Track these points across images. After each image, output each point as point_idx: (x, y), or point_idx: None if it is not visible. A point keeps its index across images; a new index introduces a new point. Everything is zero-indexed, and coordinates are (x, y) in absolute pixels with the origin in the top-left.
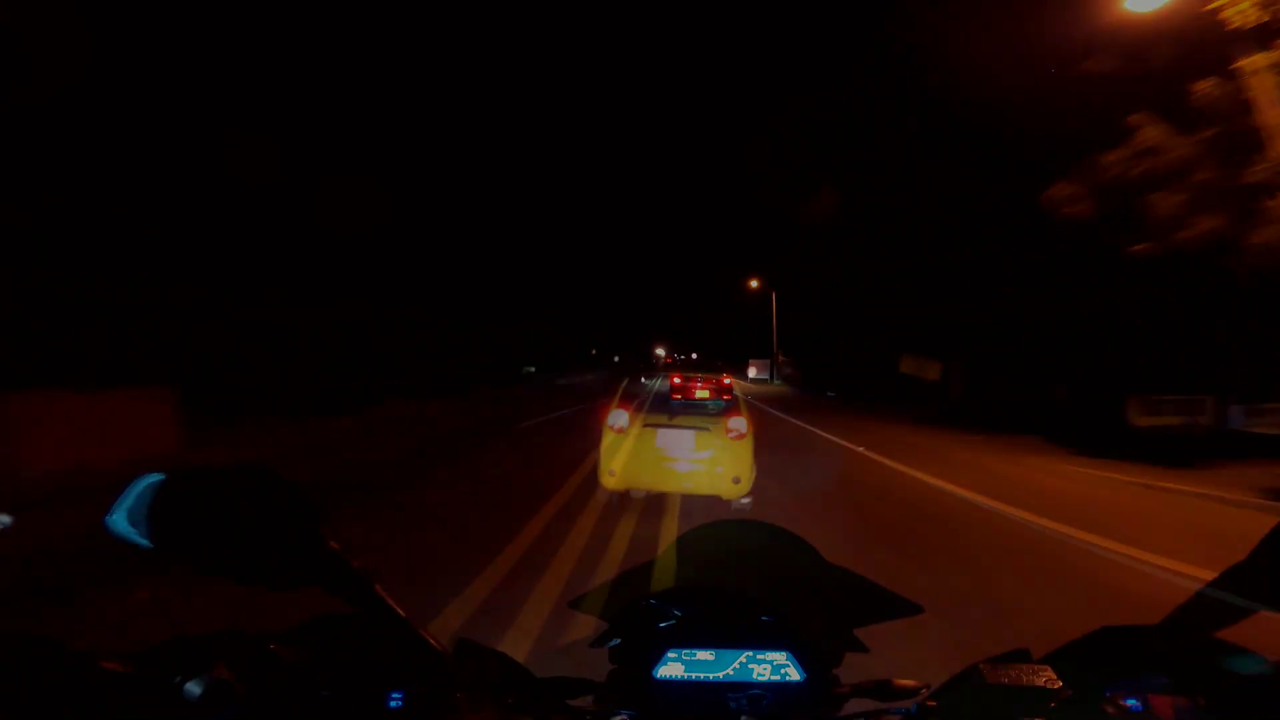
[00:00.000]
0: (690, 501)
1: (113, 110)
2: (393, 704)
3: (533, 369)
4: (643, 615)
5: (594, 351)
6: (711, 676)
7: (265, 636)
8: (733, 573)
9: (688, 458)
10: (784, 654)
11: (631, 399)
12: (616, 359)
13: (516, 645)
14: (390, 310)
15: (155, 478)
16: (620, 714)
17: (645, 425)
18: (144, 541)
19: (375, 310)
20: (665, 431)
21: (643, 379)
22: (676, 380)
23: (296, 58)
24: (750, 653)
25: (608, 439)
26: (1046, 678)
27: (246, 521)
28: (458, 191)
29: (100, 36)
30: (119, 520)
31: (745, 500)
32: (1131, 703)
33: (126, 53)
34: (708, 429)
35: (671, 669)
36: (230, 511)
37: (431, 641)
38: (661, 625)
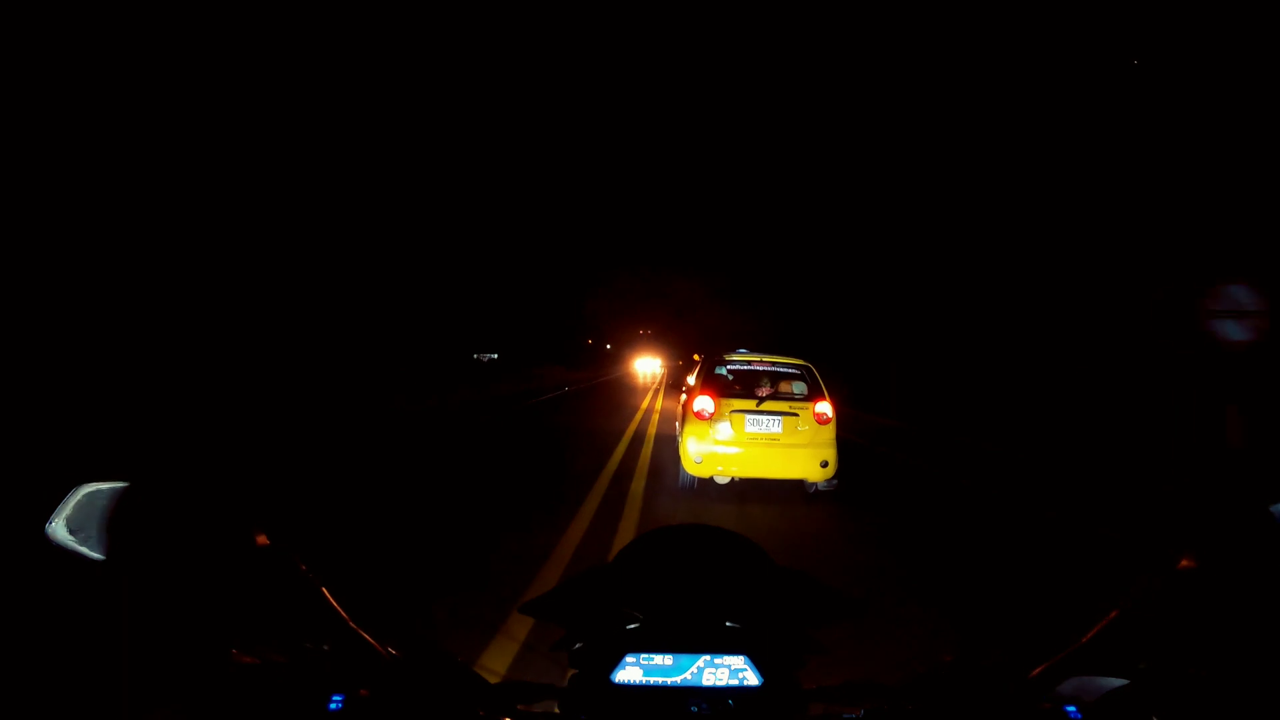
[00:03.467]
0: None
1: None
2: (333, 707)
3: (494, 356)
4: (601, 619)
5: (589, 341)
6: (669, 681)
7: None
8: (690, 573)
9: (776, 442)
10: (742, 658)
11: (713, 382)
12: (609, 347)
13: None
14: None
15: (94, 486)
16: (578, 718)
17: (733, 411)
18: (83, 550)
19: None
20: (754, 417)
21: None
22: (754, 365)
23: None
24: (708, 657)
25: (691, 425)
26: (997, 677)
27: (192, 530)
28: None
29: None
30: (58, 528)
31: (833, 482)
32: (1070, 709)
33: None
34: (796, 414)
35: (629, 673)
36: (174, 520)
37: (377, 646)
38: (619, 629)
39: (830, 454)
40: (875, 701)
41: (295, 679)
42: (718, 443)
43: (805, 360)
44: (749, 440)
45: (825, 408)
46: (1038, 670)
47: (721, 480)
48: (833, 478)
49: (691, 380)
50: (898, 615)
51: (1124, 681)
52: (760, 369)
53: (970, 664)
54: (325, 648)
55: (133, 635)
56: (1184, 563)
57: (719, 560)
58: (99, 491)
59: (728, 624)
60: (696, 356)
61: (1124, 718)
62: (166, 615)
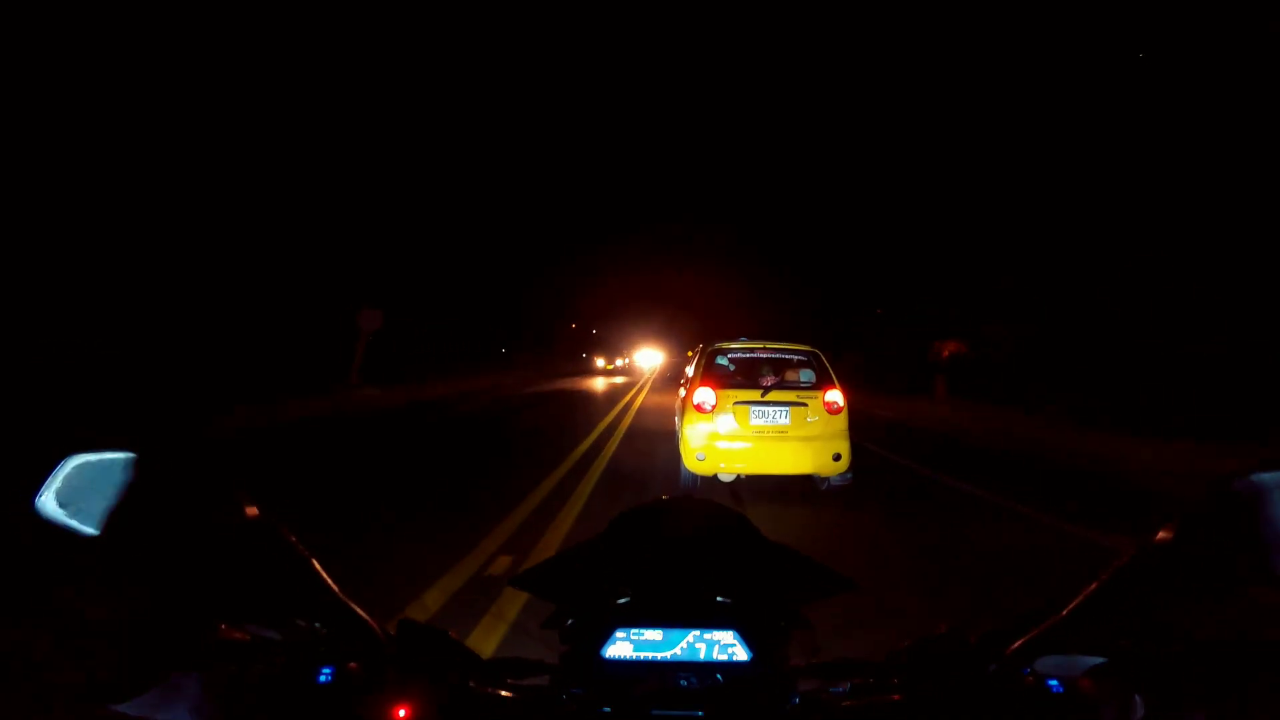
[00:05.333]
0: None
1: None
2: (322, 679)
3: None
4: (592, 594)
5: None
6: (659, 656)
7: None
8: (679, 548)
9: (784, 435)
10: (731, 633)
11: (713, 373)
12: (585, 355)
13: None
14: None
15: (83, 457)
16: (569, 693)
17: (736, 403)
18: (74, 524)
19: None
20: (759, 408)
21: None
22: (756, 354)
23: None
24: (698, 632)
25: (691, 419)
26: (978, 654)
27: (183, 504)
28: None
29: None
30: (47, 502)
31: (847, 477)
32: (1052, 683)
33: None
34: (804, 404)
35: (620, 649)
36: (165, 495)
37: (368, 620)
38: (609, 604)
39: (843, 446)
40: (861, 676)
41: (285, 653)
42: (721, 437)
43: (812, 347)
44: (755, 434)
45: (836, 396)
46: (1018, 643)
47: (726, 478)
48: (847, 471)
49: (690, 371)
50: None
51: (1105, 659)
52: (763, 356)
53: (954, 639)
54: (316, 624)
55: (127, 611)
56: (1160, 536)
57: (708, 534)
58: (89, 463)
59: (718, 599)
60: (690, 353)
61: (1106, 693)
62: (157, 589)
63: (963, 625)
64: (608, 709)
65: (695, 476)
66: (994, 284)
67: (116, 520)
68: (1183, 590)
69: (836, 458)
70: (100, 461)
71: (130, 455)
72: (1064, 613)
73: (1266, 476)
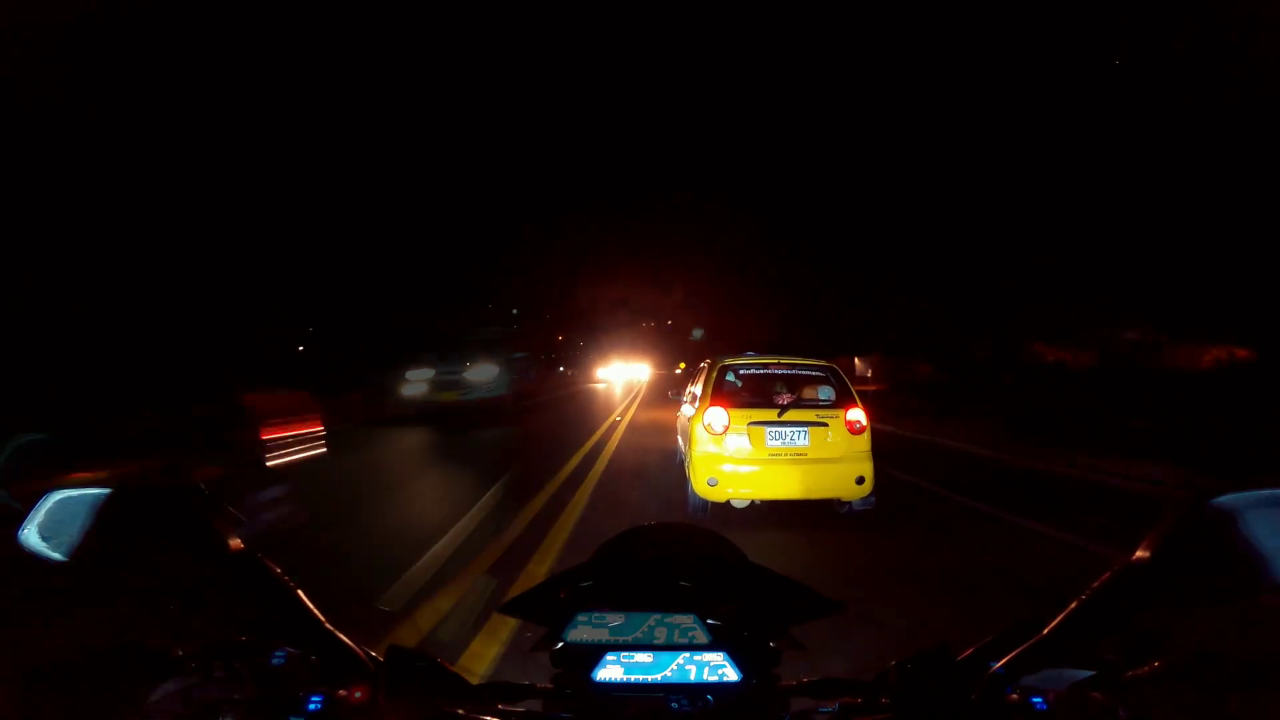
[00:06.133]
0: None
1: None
2: (311, 707)
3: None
4: (580, 618)
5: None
6: (650, 678)
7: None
8: (666, 571)
9: (802, 458)
10: (721, 654)
11: (723, 391)
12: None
13: None
14: None
15: (67, 493)
16: (559, 717)
17: (751, 424)
18: (58, 556)
19: None
20: (775, 429)
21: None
22: (770, 369)
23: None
24: (688, 654)
25: (701, 442)
26: (964, 672)
27: (169, 536)
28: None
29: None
30: (30, 535)
31: (870, 500)
32: (1036, 701)
33: None
34: (824, 424)
35: (610, 671)
36: (151, 527)
37: (355, 648)
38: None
39: (867, 468)
40: (850, 696)
41: (275, 681)
42: (734, 461)
43: (829, 362)
44: (770, 456)
45: (859, 415)
46: (1003, 661)
47: (739, 504)
48: (870, 495)
49: (697, 390)
50: None
51: (1090, 673)
52: (777, 373)
53: (941, 657)
54: (306, 651)
55: (109, 638)
56: (1138, 554)
57: (697, 557)
58: (71, 498)
59: (708, 621)
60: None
61: (1089, 709)
62: (142, 618)
63: (949, 643)
64: None
65: (705, 503)
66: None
67: (88, 550)
68: (1164, 605)
69: (860, 481)
70: (81, 497)
71: (108, 491)
72: (1046, 630)
73: (1242, 496)
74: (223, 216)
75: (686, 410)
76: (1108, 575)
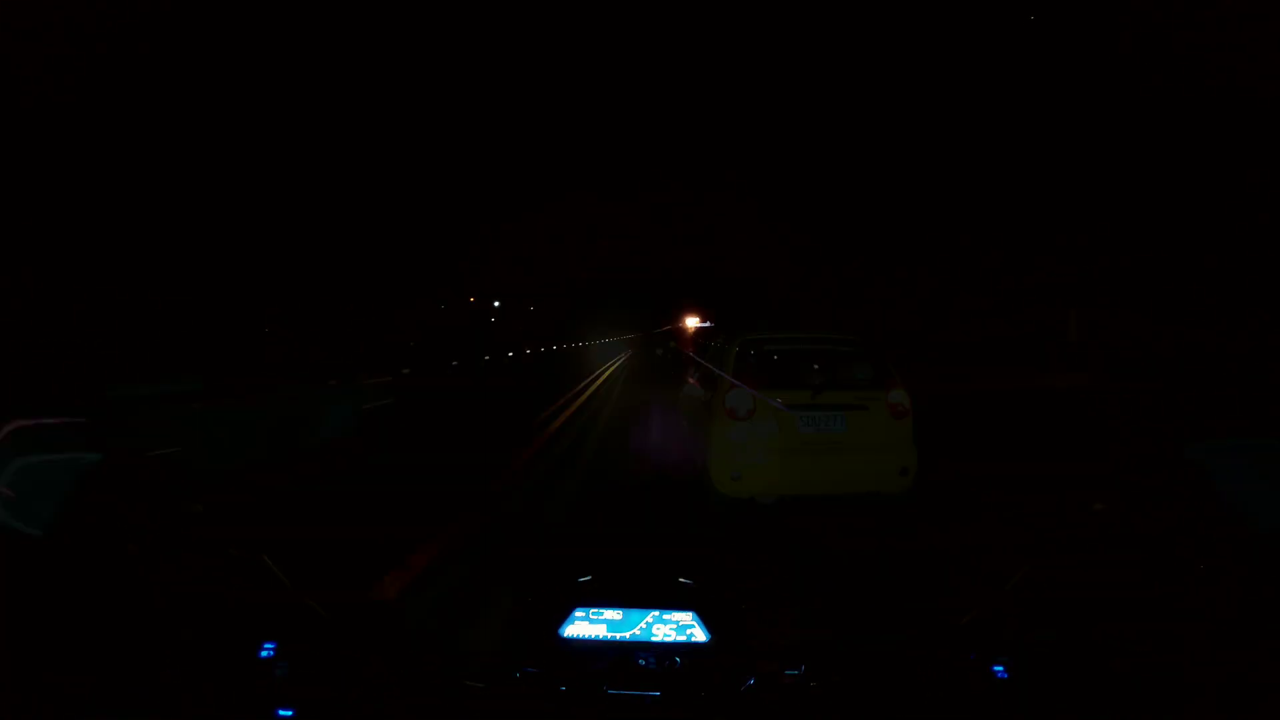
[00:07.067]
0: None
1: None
2: (264, 654)
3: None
4: (553, 573)
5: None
6: (618, 636)
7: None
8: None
9: (839, 446)
10: (690, 614)
11: (747, 370)
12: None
13: None
14: None
15: (25, 461)
16: (523, 670)
17: (781, 407)
18: (19, 525)
19: None
20: (808, 414)
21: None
22: (799, 345)
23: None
24: (657, 612)
25: (723, 428)
26: (925, 643)
27: (134, 504)
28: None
29: None
30: None
31: (911, 491)
32: (997, 669)
33: None
34: (865, 406)
35: (578, 628)
36: (115, 495)
37: (314, 605)
38: (571, 584)
39: (910, 457)
40: (817, 657)
41: (229, 629)
42: (761, 450)
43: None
44: (803, 445)
45: (901, 396)
46: (965, 619)
47: (766, 501)
48: (910, 487)
49: (716, 369)
50: None
51: (1051, 636)
52: (808, 348)
53: (907, 618)
54: (263, 605)
55: (79, 610)
56: (1096, 507)
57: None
58: (34, 465)
59: (680, 580)
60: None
61: (1050, 673)
62: (107, 588)
63: (918, 606)
64: (564, 687)
65: (727, 499)
66: None
67: (65, 521)
68: (1126, 560)
69: (904, 472)
70: (45, 465)
71: (75, 460)
72: (1006, 589)
73: (1213, 444)
74: (222, 216)
75: (693, 390)
76: (1066, 531)
